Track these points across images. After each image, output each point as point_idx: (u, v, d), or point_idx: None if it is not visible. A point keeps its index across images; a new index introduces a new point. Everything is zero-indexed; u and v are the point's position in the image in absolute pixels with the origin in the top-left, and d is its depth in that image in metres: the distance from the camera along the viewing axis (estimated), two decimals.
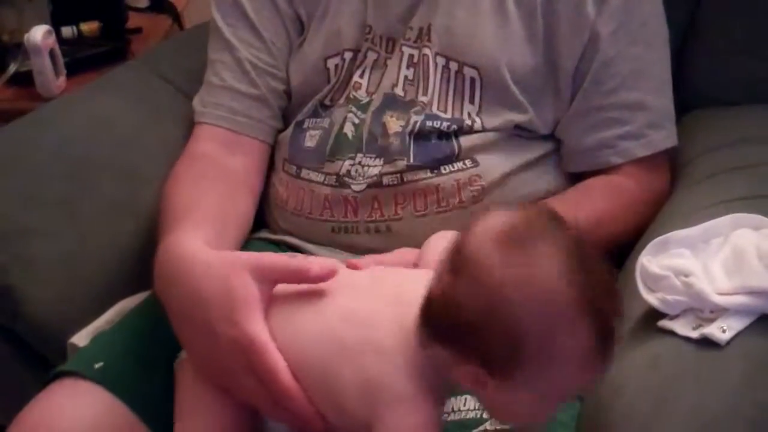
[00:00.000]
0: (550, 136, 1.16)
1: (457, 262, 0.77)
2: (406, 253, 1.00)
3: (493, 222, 0.77)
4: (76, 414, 0.96)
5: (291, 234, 1.18)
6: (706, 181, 1.10)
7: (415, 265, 0.96)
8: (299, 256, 1.09)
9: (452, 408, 0.91)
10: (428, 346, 0.79)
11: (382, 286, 0.88)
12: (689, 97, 1.24)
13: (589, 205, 1.12)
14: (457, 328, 0.76)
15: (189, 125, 1.27)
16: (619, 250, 1.09)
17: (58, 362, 1.07)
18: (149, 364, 1.01)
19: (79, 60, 1.77)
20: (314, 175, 1.15)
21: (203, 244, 0.96)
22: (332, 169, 1.14)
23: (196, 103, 1.23)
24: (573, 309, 0.74)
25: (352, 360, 0.83)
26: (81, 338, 1.10)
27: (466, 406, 0.90)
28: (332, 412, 0.85)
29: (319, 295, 0.88)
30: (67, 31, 1.82)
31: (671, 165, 1.19)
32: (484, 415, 0.89)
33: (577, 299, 0.74)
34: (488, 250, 0.75)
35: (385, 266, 0.94)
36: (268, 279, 0.88)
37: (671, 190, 1.16)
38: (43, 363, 1.14)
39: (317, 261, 0.89)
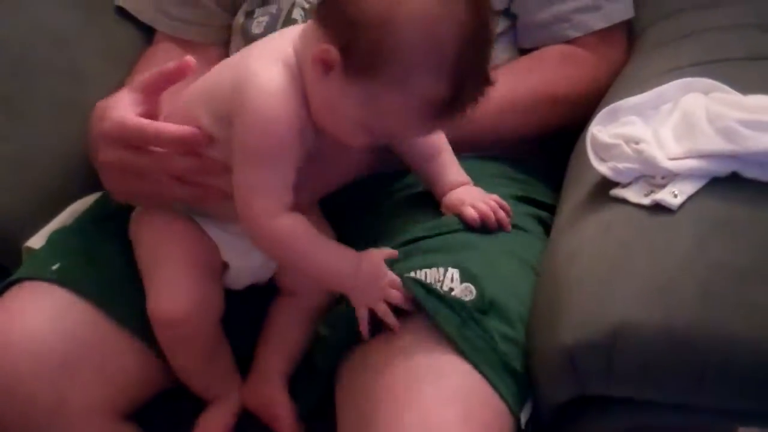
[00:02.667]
0: (507, 13, 1.15)
1: None
2: None
3: None
4: (38, 315, 0.96)
5: None
6: (657, 49, 1.10)
7: None
8: None
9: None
10: (309, 29, 0.87)
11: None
12: None
13: (541, 71, 1.12)
14: (342, 12, 0.83)
15: (131, 22, 1.26)
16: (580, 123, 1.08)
17: (14, 268, 1.07)
18: (106, 261, 1.01)
19: None
20: None
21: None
22: None
23: (143, 7, 1.25)
24: (450, 50, 0.82)
25: (234, 66, 0.92)
26: (36, 241, 1.09)
27: (426, 279, 0.89)
28: (211, 122, 0.91)
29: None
30: None
31: (627, 34, 1.18)
32: (443, 286, 0.88)
33: (456, 48, 0.82)
34: None
35: None
36: (139, 90, 0.94)
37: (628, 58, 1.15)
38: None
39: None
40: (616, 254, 0.84)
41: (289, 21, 1.13)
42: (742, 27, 1.08)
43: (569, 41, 1.14)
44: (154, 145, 0.91)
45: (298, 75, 0.88)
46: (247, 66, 0.90)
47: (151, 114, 0.93)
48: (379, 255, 0.90)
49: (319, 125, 0.89)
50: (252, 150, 0.87)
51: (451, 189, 0.98)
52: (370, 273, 0.88)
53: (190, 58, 0.93)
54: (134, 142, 0.92)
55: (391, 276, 0.88)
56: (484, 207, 0.97)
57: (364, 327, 0.88)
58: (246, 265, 0.99)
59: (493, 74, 0.86)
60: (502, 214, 0.97)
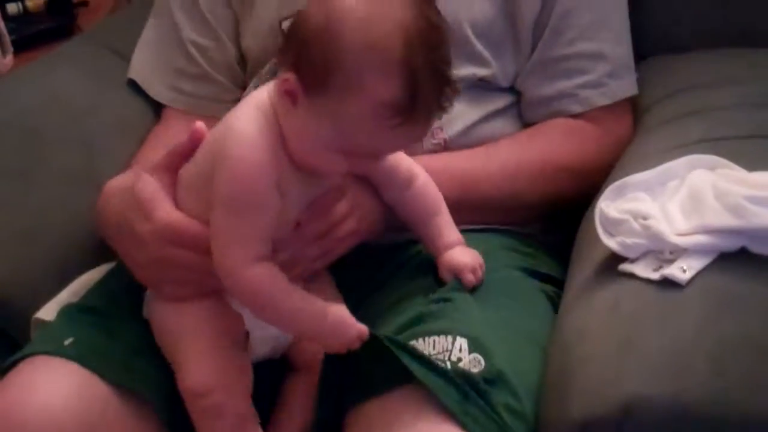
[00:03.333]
0: (511, 88, 1.17)
1: None
2: None
3: None
4: (52, 391, 0.95)
5: None
6: (663, 126, 1.12)
7: None
8: None
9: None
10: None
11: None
12: (645, 44, 1.25)
13: (543, 140, 1.14)
14: (294, 37, 0.86)
15: (142, 96, 1.28)
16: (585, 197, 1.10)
17: (23, 339, 1.06)
18: (121, 336, 1.01)
19: (27, 37, 1.75)
20: None
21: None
22: None
23: (155, 83, 1.26)
24: (393, 47, 0.83)
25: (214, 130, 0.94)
26: (46, 313, 1.09)
27: (435, 348, 0.89)
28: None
29: None
30: (12, 7, 1.79)
31: (632, 111, 1.20)
32: (451, 356, 0.89)
33: (400, 45, 0.83)
34: None
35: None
36: (165, 169, 0.96)
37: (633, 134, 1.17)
38: (6, 340, 1.12)
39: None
40: (626, 329, 0.84)
41: None
42: (746, 106, 1.10)
43: (574, 116, 1.16)
44: (202, 247, 0.92)
45: (274, 120, 0.89)
46: (224, 122, 0.93)
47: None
48: (345, 311, 0.90)
49: (299, 163, 0.90)
50: (227, 198, 0.89)
51: (448, 249, 1.00)
52: (336, 324, 0.89)
53: (200, 124, 0.96)
54: (188, 244, 0.94)
55: (359, 327, 0.89)
56: (480, 275, 0.99)
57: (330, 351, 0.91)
58: (265, 334, 0.99)
59: (458, 86, 0.89)
60: None
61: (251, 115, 0.90)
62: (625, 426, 0.79)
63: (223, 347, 0.95)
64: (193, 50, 1.22)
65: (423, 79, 0.84)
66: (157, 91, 1.26)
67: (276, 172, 0.89)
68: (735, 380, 0.77)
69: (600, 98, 1.16)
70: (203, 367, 0.94)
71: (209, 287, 0.95)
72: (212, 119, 1.19)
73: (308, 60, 0.85)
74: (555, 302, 1.03)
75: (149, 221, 0.95)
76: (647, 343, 0.82)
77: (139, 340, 0.98)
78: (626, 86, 1.18)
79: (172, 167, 0.97)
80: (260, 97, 0.91)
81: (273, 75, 1.12)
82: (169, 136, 1.19)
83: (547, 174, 1.12)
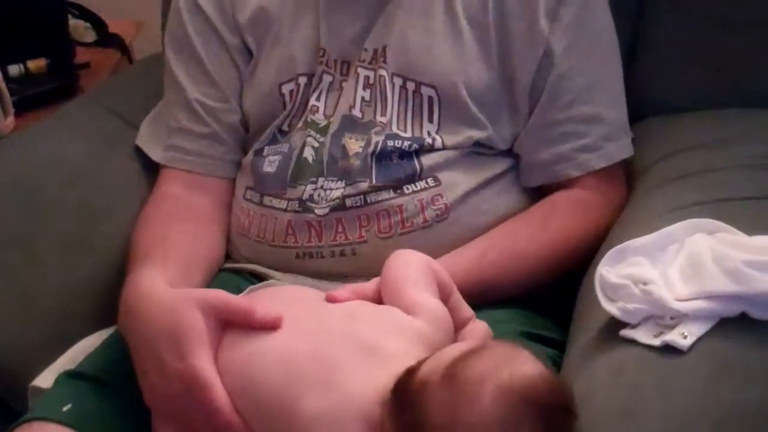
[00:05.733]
0: (509, 153, 1.18)
1: (453, 374, 0.79)
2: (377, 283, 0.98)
3: (510, 371, 0.79)
4: None
5: (253, 262, 1.18)
6: (660, 189, 1.12)
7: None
8: (259, 290, 1.08)
9: None
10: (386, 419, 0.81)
11: (356, 331, 0.89)
12: (640, 106, 1.25)
13: (556, 221, 1.14)
14: (411, 416, 0.79)
15: (143, 158, 1.28)
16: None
17: (19, 407, 1.06)
18: (118, 403, 1.00)
19: (28, 98, 1.75)
20: (276, 202, 1.16)
21: (163, 281, 1.00)
22: (294, 195, 1.14)
23: (155, 144, 1.26)
24: None
25: (312, 395, 0.84)
26: (44, 380, 1.09)
27: None
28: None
29: (287, 331, 0.90)
30: (13, 69, 1.80)
31: (627, 172, 1.20)
32: None
33: None
34: (486, 392, 0.77)
35: (364, 299, 0.95)
36: (215, 315, 0.91)
37: (627, 199, 1.17)
38: (3, 408, 1.12)
39: (265, 306, 0.91)
40: (629, 397, 0.84)
41: (301, 161, 1.15)
42: (743, 167, 1.10)
43: (570, 181, 1.16)
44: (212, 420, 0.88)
45: None
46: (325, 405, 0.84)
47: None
48: None
49: None
50: None
51: (460, 328, 0.98)
52: None
53: (280, 317, 0.90)
54: (201, 409, 0.88)
55: None
56: None
57: None
58: None
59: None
60: None
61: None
62: None
63: None
64: (200, 109, 1.22)
65: None
66: (156, 153, 1.26)
67: None
68: None
69: (597, 161, 1.16)
70: None
71: None
72: (212, 178, 1.22)
73: None
74: (557, 364, 1.02)
75: (182, 361, 0.89)
76: (649, 410, 0.81)
77: (136, 409, 0.97)
78: (623, 148, 1.18)
79: (222, 319, 0.91)
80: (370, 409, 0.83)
81: None
82: (168, 197, 1.19)
83: (563, 256, 1.13)
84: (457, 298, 0.99)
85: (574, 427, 0.80)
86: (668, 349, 0.85)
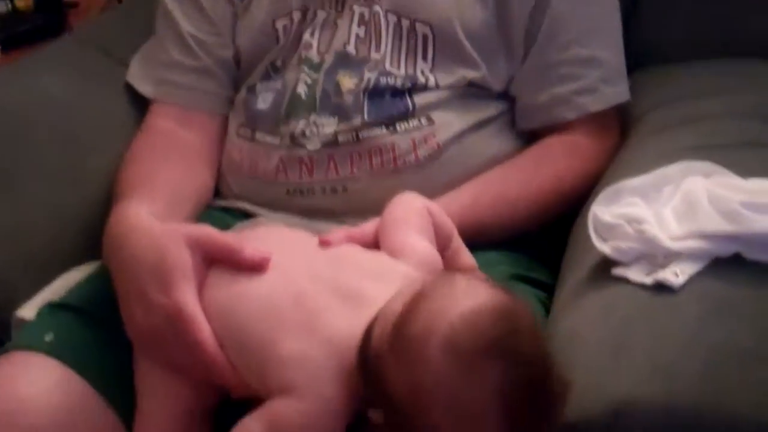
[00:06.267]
0: (504, 95, 1.16)
1: (400, 345, 0.77)
2: (375, 226, 0.97)
3: (451, 319, 0.76)
4: (30, 387, 0.94)
5: (244, 199, 1.17)
6: (655, 135, 1.11)
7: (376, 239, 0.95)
8: (247, 227, 1.08)
9: None
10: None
11: (340, 276, 0.88)
12: (640, 54, 1.24)
13: (550, 164, 1.13)
14: (377, 392, 0.78)
15: (132, 95, 1.27)
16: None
17: (3, 337, 1.05)
18: (101, 334, 1.00)
19: (15, 35, 1.74)
20: (269, 138, 1.14)
21: (149, 214, 0.99)
22: (286, 130, 1.13)
23: (145, 79, 1.24)
24: (497, 418, 0.75)
25: (293, 337, 0.83)
26: (27, 310, 1.08)
27: None
28: (254, 377, 0.86)
29: (273, 273, 0.89)
30: (1, 6, 1.77)
31: (623, 121, 1.19)
32: None
33: (505, 416, 0.75)
34: (434, 352, 0.75)
35: (356, 240, 0.94)
36: (201, 251, 0.90)
37: (622, 145, 1.16)
38: None
39: (253, 245, 0.90)
40: (618, 334, 0.83)
41: (294, 98, 1.13)
42: (738, 115, 1.10)
43: (565, 126, 1.15)
44: (200, 365, 0.87)
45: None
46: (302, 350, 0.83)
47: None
48: None
49: None
50: None
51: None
52: None
53: (269, 256, 0.89)
54: (184, 342, 0.87)
55: None
56: None
57: None
58: None
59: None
60: None
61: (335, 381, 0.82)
62: (613, 429, 0.78)
63: (184, 423, 0.91)
64: (192, 43, 1.20)
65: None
66: (147, 88, 1.24)
67: None
68: (725, 385, 0.76)
69: (594, 104, 1.15)
70: None
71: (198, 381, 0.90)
72: (203, 114, 1.20)
73: (394, 417, 0.77)
74: (546, 307, 1.02)
75: (166, 295, 0.88)
76: (639, 347, 0.81)
77: (118, 340, 0.95)
78: (619, 93, 1.17)
79: (208, 256, 0.90)
80: (345, 367, 0.82)
81: None
82: (159, 133, 1.18)
83: (556, 200, 1.12)
84: (458, 245, 0.98)
85: (545, 349, 0.79)
86: (660, 288, 0.84)
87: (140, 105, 1.25)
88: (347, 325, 0.83)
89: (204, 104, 1.20)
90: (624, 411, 0.77)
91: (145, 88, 1.24)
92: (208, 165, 1.18)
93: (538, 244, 1.14)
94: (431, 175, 1.10)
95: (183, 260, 0.89)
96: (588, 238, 0.93)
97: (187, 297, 0.88)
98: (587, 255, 0.94)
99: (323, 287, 0.86)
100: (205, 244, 0.90)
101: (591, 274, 0.92)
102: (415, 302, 0.78)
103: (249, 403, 0.87)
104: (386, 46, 1.13)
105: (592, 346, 0.84)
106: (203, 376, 0.88)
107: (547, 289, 1.06)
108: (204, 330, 0.87)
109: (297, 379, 0.82)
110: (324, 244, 0.92)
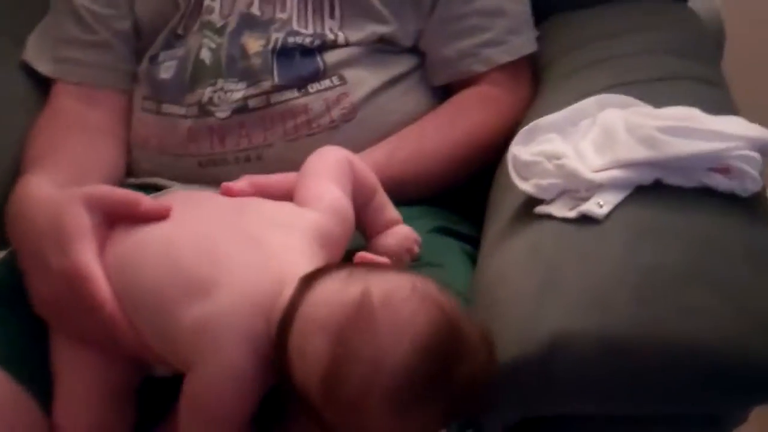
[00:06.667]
0: (416, 51, 1.15)
1: (334, 402, 0.72)
2: (285, 177, 0.95)
3: (385, 377, 0.71)
4: None
5: (156, 175, 1.12)
6: (569, 77, 1.10)
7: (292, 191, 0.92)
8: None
9: None
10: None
11: (241, 223, 0.85)
12: (545, 3, 1.23)
13: (465, 118, 1.12)
14: (288, 377, 0.74)
15: (32, 74, 1.22)
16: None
17: None
18: (14, 323, 0.94)
19: None
20: (175, 109, 1.10)
21: (51, 185, 0.95)
22: (193, 99, 1.09)
23: (43, 57, 1.19)
24: None
25: (197, 298, 0.80)
26: None
27: None
28: (160, 343, 0.83)
29: (173, 222, 0.86)
30: None
31: (534, 69, 1.18)
32: None
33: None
34: (374, 406, 0.71)
35: (263, 190, 0.91)
36: (100, 210, 0.87)
37: (536, 93, 1.15)
38: None
39: (151, 198, 0.87)
40: (547, 269, 0.82)
41: (198, 64, 1.10)
42: (652, 52, 1.10)
43: (477, 78, 1.14)
44: (100, 326, 0.83)
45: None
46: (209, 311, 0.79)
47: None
48: None
49: None
50: (208, 414, 0.79)
51: (383, 231, 0.94)
52: None
53: (170, 208, 0.86)
54: (84, 304, 0.84)
55: None
56: (417, 249, 0.95)
57: None
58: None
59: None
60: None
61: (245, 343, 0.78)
62: (551, 363, 0.77)
63: (106, 396, 0.87)
64: (88, 17, 1.16)
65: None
66: (45, 67, 1.19)
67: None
68: (658, 309, 0.76)
69: (502, 56, 1.14)
70: (74, 415, 0.87)
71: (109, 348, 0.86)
72: (107, 91, 1.16)
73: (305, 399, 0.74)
74: (472, 258, 1.00)
75: (65, 257, 0.85)
76: (569, 279, 0.80)
77: (33, 328, 0.91)
78: (527, 43, 1.17)
79: (110, 214, 0.87)
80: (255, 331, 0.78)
81: None
82: (62, 113, 1.13)
83: (473, 153, 1.10)
84: (382, 197, 0.95)
85: (483, 350, 0.75)
86: (585, 220, 0.84)
87: (42, 86, 1.20)
88: (250, 273, 0.80)
89: (106, 80, 1.16)
90: (559, 344, 0.76)
91: (44, 67, 1.19)
92: (114, 141, 1.14)
93: (460, 199, 1.12)
94: (347, 137, 1.07)
95: (80, 221, 0.85)
96: (509, 182, 0.92)
97: (85, 257, 0.84)
98: (510, 198, 0.93)
99: (226, 234, 0.83)
100: (102, 202, 0.87)
101: (515, 216, 0.91)
102: (340, 355, 0.72)
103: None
104: (292, 5, 1.10)
105: (522, 285, 0.83)
106: (109, 341, 0.84)
107: (473, 243, 1.04)
108: (101, 288, 0.83)
109: (200, 346, 0.78)
110: (227, 191, 0.89)
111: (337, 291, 0.74)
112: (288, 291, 0.77)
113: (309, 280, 0.76)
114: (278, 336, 0.76)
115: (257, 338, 0.77)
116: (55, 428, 0.88)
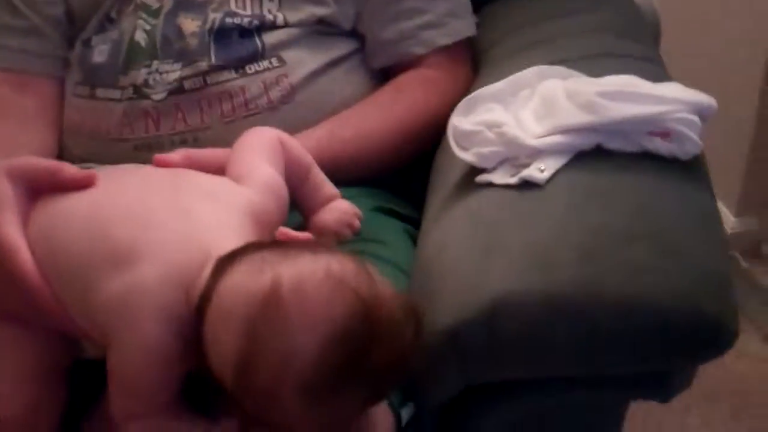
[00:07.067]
0: (355, 34, 1.13)
1: (247, 388, 0.69)
2: (220, 152, 0.92)
3: (297, 366, 0.68)
4: None
5: (90, 161, 1.09)
6: (510, 57, 1.10)
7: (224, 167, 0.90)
8: None
9: None
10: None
11: (173, 193, 0.82)
12: None
13: (405, 98, 1.10)
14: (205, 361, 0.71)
15: None
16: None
17: None
18: None
19: None
20: (110, 92, 1.08)
21: None
22: (128, 82, 1.07)
23: None
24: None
25: (120, 269, 0.76)
26: None
27: None
28: (82, 316, 0.79)
29: (100, 191, 0.82)
30: None
31: (473, 54, 1.18)
32: None
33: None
34: (288, 397, 0.68)
35: (196, 163, 0.88)
36: (22, 180, 0.83)
37: (476, 75, 1.14)
38: None
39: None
40: (489, 233, 0.81)
41: (133, 46, 1.08)
42: (590, 32, 1.10)
43: (417, 60, 1.13)
44: (25, 295, 0.80)
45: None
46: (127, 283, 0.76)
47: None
48: None
49: None
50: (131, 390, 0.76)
51: (320, 208, 0.92)
52: None
53: (95, 174, 0.83)
54: (7, 275, 0.80)
55: None
56: (357, 224, 0.93)
57: None
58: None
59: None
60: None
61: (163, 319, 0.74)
62: (495, 326, 0.75)
63: (34, 377, 0.84)
64: (18, 2, 1.13)
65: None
66: None
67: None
68: (604, 267, 0.75)
69: (441, 38, 1.13)
70: (9, 396, 0.83)
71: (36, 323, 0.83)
72: (39, 77, 1.13)
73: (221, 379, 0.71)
74: (413, 237, 0.99)
75: None
76: (511, 241, 0.79)
77: None
78: (467, 25, 1.16)
79: (35, 184, 0.83)
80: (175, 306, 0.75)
81: None
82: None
83: (413, 133, 1.09)
84: (318, 175, 0.93)
85: (401, 325, 0.70)
86: (526, 185, 0.83)
87: None
88: (176, 245, 0.76)
89: (37, 67, 1.13)
90: (502, 306, 0.75)
91: None
92: (46, 128, 1.12)
93: (401, 183, 1.11)
94: (285, 118, 1.05)
95: (2, 192, 0.82)
96: (450, 160, 0.91)
97: (7, 228, 0.80)
98: (451, 170, 0.92)
99: (154, 202, 0.80)
100: (23, 170, 0.83)
101: (455, 188, 0.90)
102: (249, 347, 0.69)
103: None
104: None
105: (463, 252, 0.81)
106: (35, 315, 0.81)
107: (414, 224, 1.03)
108: (24, 259, 0.79)
109: (117, 321, 0.75)
110: (159, 162, 0.87)
111: (248, 279, 0.70)
112: (209, 269, 0.74)
113: (223, 265, 0.73)
114: (196, 318, 0.73)
115: (176, 313, 0.74)
116: None
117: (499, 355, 0.76)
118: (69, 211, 0.81)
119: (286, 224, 0.87)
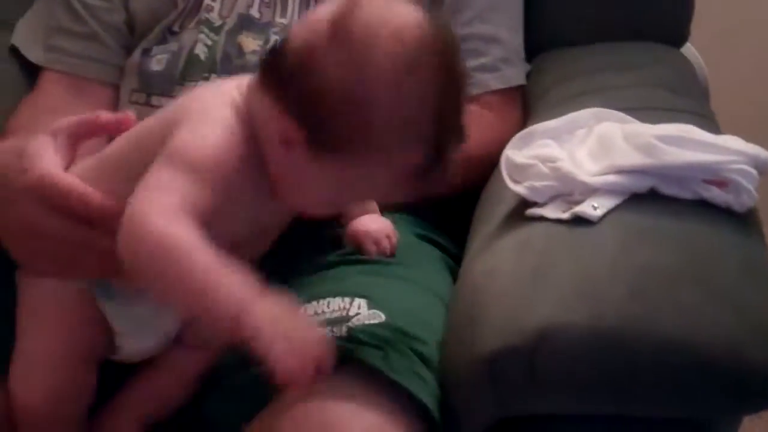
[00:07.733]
0: None
1: (341, 31, 0.74)
2: None
3: (396, 17, 0.75)
4: None
5: None
6: (560, 105, 1.09)
7: None
8: None
9: (315, 311, 0.85)
10: (257, 91, 0.78)
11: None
12: (543, 39, 1.24)
13: None
14: (306, 91, 0.74)
15: (20, 59, 1.21)
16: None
17: None
18: None
19: None
20: (165, 101, 1.08)
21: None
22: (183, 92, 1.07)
23: (33, 44, 1.19)
24: (428, 116, 0.75)
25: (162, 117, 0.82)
26: None
27: (330, 307, 0.85)
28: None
29: None
30: None
31: (525, 104, 1.18)
32: (349, 312, 0.84)
33: (434, 112, 0.75)
34: (378, 40, 0.74)
35: None
36: (63, 135, 0.85)
37: (528, 118, 1.15)
38: None
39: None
40: (538, 264, 0.80)
41: (192, 58, 1.09)
42: (642, 86, 1.10)
43: (469, 99, 1.13)
44: (76, 211, 0.80)
45: (249, 135, 0.78)
46: (186, 106, 0.81)
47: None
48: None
49: (279, 197, 0.80)
50: (187, 157, 0.76)
51: (358, 216, 0.94)
52: (286, 318, 0.70)
53: (132, 114, 0.86)
54: (56, 202, 0.80)
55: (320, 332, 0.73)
56: (386, 244, 0.94)
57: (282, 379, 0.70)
58: (141, 347, 0.89)
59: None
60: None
61: (226, 115, 0.79)
62: (537, 356, 0.74)
63: (69, 363, 0.85)
64: (80, 9, 1.15)
65: (447, 139, 0.78)
66: (35, 54, 1.18)
67: (240, 178, 0.78)
68: (652, 306, 0.74)
69: (494, 82, 1.15)
70: (36, 381, 0.84)
71: (86, 269, 0.83)
72: (94, 83, 1.14)
73: (326, 121, 0.74)
74: (452, 271, 0.99)
75: (28, 174, 0.81)
76: (560, 272, 0.78)
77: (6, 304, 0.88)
78: (518, 74, 1.18)
79: (75, 135, 0.85)
80: (232, 96, 0.80)
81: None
82: (49, 101, 1.12)
83: (464, 169, 1.07)
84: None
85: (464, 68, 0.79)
86: (578, 221, 0.82)
87: (31, 71, 1.19)
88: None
89: (93, 72, 1.15)
90: (548, 336, 0.74)
91: (33, 54, 1.19)
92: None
93: (440, 214, 1.10)
94: None
95: (43, 143, 0.83)
96: (498, 195, 0.91)
97: (46, 165, 0.81)
98: (500, 204, 0.92)
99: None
100: (63, 128, 0.85)
101: (505, 219, 0.89)
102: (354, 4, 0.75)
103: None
104: (293, 11, 1.10)
105: (510, 279, 0.81)
106: (87, 250, 0.81)
107: (451, 256, 1.03)
108: (76, 183, 0.80)
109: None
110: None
111: None
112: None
113: None
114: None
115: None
116: (9, 393, 0.84)
117: (537, 387, 0.75)
118: (109, 150, 0.85)
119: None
